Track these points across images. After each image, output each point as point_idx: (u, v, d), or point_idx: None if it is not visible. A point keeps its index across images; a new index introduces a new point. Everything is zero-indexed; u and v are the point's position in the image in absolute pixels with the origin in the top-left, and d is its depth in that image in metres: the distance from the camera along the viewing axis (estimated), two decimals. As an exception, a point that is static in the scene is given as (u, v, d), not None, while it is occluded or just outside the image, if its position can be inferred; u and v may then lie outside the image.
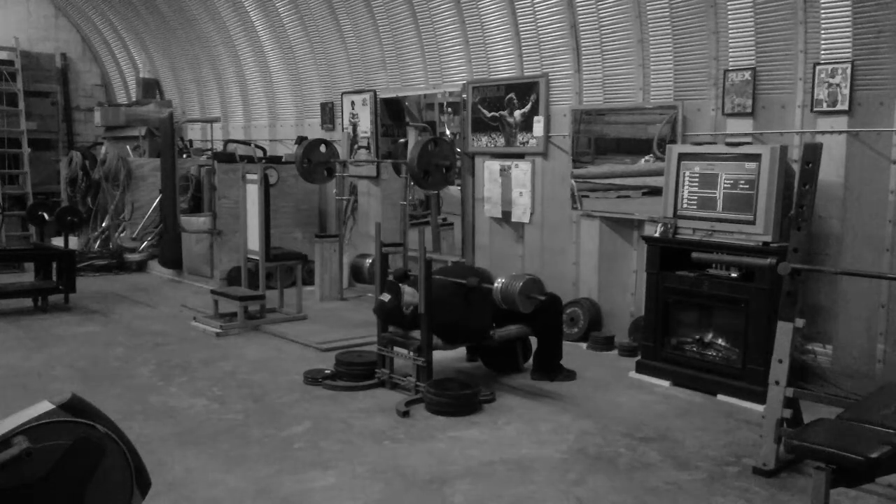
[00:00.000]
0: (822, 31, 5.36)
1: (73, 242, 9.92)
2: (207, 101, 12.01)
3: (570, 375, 5.78)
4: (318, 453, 4.34)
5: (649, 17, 6.30)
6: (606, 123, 6.69)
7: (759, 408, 4.60)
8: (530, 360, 6.03)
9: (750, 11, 5.70)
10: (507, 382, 5.66)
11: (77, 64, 13.54)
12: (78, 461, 2.44)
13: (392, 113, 8.98)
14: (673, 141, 6.11)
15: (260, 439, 4.54)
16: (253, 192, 7.65)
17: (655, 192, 6.22)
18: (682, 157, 5.70)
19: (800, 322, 4.14)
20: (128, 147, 11.73)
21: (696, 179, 5.60)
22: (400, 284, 5.38)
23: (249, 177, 7.76)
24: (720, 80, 5.94)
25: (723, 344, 5.50)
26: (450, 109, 8.62)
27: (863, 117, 5.24)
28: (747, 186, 5.31)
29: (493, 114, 7.64)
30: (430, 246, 7.16)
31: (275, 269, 7.90)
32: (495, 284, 5.30)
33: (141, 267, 10.75)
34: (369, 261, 6.45)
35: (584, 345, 6.65)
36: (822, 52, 5.37)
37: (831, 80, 5.31)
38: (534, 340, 5.92)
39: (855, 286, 5.34)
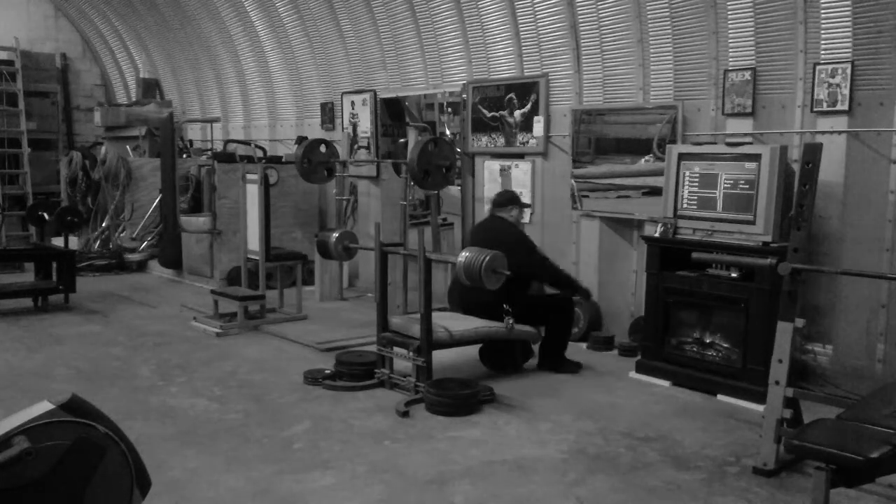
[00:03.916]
0: (822, 31, 5.35)
1: (73, 242, 9.92)
2: (207, 101, 12.01)
3: (575, 367, 5.89)
4: (318, 453, 4.33)
5: (649, 17, 6.30)
6: (606, 123, 6.69)
7: (759, 408, 4.59)
8: (529, 361, 6.04)
9: (750, 11, 5.69)
10: (506, 382, 5.66)
11: (77, 64, 13.54)
12: (78, 461, 2.44)
13: (392, 113, 8.98)
14: (673, 141, 6.10)
15: (260, 439, 4.54)
16: (253, 192, 7.65)
17: (655, 192, 6.22)
18: (682, 157, 5.70)
19: (800, 322, 4.14)
20: (128, 147, 11.74)
21: (696, 179, 5.60)
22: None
23: (249, 177, 7.76)
24: (720, 80, 5.94)
25: (723, 344, 5.50)
26: (450, 109, 8.63)
27: (863, 117, 5.24)
28: (747, 186, 5.31)
29: (493, 114, 7.64)
30: (430, 246, 7.15)
31: (275, 268, 7.90)
32: (458, 259, 5.00)
33: (141, 267, 10.75)
34: (335, 235, 6.23)
35: (584, 345, 6.65)
36: (822, 52, 5.37)
37: (831, 80, 5.31)
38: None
39: (855, 286, 5.33)
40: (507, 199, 6.18)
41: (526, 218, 7.39)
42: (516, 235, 6.05)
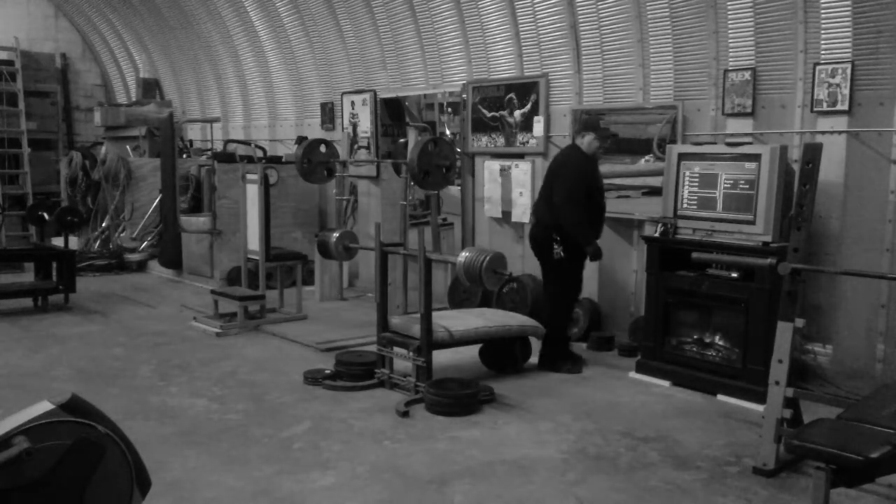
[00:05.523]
0: (822, 31, 5.36)
1: (73, 242, 9.92)
2: (207, 101, 12.02)
3: (576, 368, 5.90)
4: (318, 453, 4.34)
5: (649, 17, 6.30)
6: (606, 123, 6.68)
7: (759, 408, 4.60)
8: (529, 361, 6.04)
9: (750, 11, 5.70)
10: (506, 382, 5.66)
11: (77, 64, 13.54)
12: (78, 461, 2.44)
13: (392, 113, 8.98)
14: (673, 141, 6.11)
15: (260, 439, 4.54)
16: (253, 192, 7.65)
17: (655, 192, 6.22)
18: (682, 157, 5.70)
19: (800, 322, 4.14)
20: (128, 147, 11.74)
21: (696, 179, 5.60)
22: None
23: (249, 177, 7.76)
24: (720, 80, 5.94)
25: (723, 344, 5.50)
26: (450, 109, 8.62)
27: (863, 117, 5.24)
28: (747, 186, 5.31)
29: (493, 114, 7.64)
30: (431, 246, 7.15)
31: (275, 269, 7.90)
32: (458, 259, 5.06)
33: (141, 267, 10.75)
34: (335, 235, 6.32)
35: (584, 345, 6.65)
36: (822, 52, 5.38)
37: (831, 80, 5.31)
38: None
39: (855, 286, 5.33)
40: (583, 123, 6.10)
41: (526, 218, 7.38)
42: (572, 169, 5.84)
